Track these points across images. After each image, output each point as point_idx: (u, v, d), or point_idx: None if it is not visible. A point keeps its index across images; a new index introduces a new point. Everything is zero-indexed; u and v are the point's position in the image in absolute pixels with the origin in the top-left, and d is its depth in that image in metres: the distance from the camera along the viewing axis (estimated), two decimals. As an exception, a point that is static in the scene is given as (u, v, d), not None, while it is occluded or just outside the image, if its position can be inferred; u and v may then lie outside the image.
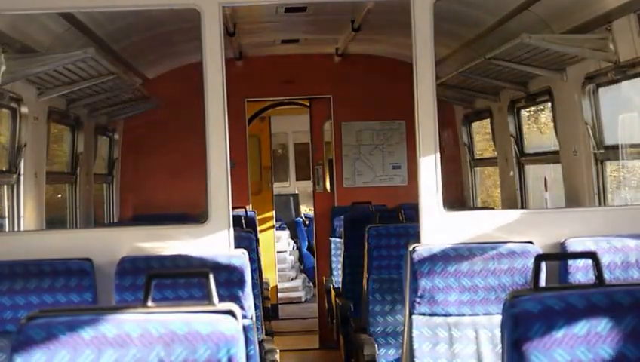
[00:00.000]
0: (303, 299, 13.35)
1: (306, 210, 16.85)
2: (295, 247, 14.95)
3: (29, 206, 6.24)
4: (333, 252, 9.18)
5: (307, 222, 15.75)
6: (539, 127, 7.64)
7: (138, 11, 6.32)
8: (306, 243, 15.36)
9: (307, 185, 17.45)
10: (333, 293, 8.52)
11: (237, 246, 4.74)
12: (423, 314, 4.42)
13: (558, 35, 6.00)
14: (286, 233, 14.79)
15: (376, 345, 5.90)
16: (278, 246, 12.62)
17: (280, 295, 12.20)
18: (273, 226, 12.27)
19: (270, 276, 10.67)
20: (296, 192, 17.07)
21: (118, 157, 8.88)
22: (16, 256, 4.47)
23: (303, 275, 14.21)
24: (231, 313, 2.56)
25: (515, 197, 7.74)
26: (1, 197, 6.13)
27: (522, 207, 7.66)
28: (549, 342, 2.52)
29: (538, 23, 6.12)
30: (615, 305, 2.54)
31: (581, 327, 2.52)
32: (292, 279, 13.77)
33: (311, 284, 13.88)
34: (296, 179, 17.38)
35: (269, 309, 7.39)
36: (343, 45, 9.15)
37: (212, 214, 4.64)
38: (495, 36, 6.64)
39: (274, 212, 12.51)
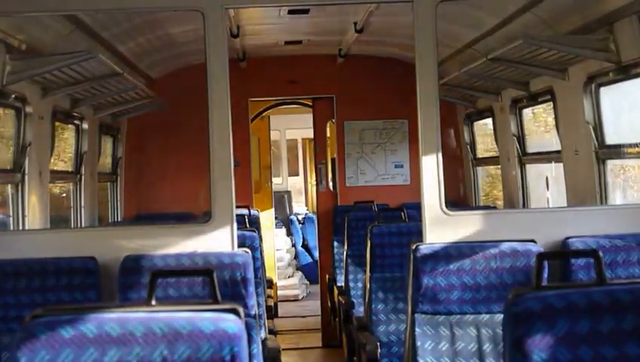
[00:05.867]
0: (300, 297, 13.38)
1: (295, 205, 16.96)
2: (291, 245, 15.00)
3: (33, 205, 6.27)
4: (335, 250, 9.19)
5: (301, 219, 15.81)
6: (544, 127, 7.65)
7: (142, 13, 6.35)
8: (301, 240, 15.41)
9: (296, 181, 17.67)
10: (335, 292, 8.54)
11: (240, 245, 4.76)
12: (426, 313, 4.44)
13: (559, 36, 6.01)
14: (282, 231, 14.83)
15: (378, 344, 5.91)
16: (275, 244, 12.65)
17: (277, 293, 12.23)
18: (273, 224, 12.28)
19: (270, 274, 10.69)
20: (289, 189, 17.14)
21: (122, 157, 8.91)
22: (21, 255, 4.50)
23: (300, 273, 14.25)
24: (234, 311, 2.58)
25: (517, 196, 7.76)
26: (5, 196, 6.15)
27: (524, 206, 7.68)
28: (551, 341, 2.53)
29: (540, 24, 6.14)
30: (616, 304, 2.55)
31: (583, 326, 2.53)
32: (289, 277, 13.81)
33: (307, 282, 13.91)
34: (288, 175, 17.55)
35: (271, 307, 7.40)
36: (346, 46, 9.16)
37: (216, 213, 4.66)
38: (497, 37, 6.65)
39: (273, 210, 12.52)
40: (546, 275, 4.24)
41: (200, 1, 4.65)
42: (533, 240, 4.51)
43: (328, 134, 10.66)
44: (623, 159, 6.10)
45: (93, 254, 4.50)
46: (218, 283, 2.79)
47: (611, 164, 6.10)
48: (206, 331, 2.46)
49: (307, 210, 16.99)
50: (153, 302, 2.69)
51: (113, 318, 2.48)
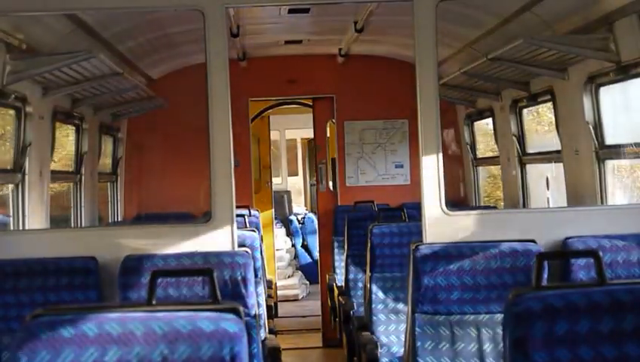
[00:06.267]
0: (300, 297, 13.38)
1: (294, 206, 16.99)
2: (291, 245, 15.01)
3: (34, 205, 6.27)
4: (336, 250, 9.19)
5: (300, 219, 15.82)
6: (548, 126, 7.64)
7: (143, 13, 6.35)
8: (300, 240, 15.42)
9: (295, 181, 17.72)
10: (336, 292, 8.54)
11: (240, 245, 4.76)
12: (426, 313, 4.44)
13: (559, 36, 6.01)
14: (282, 231, 14.83)
15: (378, 344, 5.91)
16: (275, 244, 12.65)
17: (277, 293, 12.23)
18: (273, 224, 12.28)
19: (270, 274, 10.69)
20: (288, 189, 17.16)
21: (122, 156, 8.91)
22: (21, 255, 4.50)
23: (299, 273, 14.25)
24: (234, 311, 2.58)
25: (518, 196, 7.76)
26: (6, 196, 6.15)
27: (524, 206, 7.68)
28: (551, 341, 2.53)
29: (540, 24, 6.14)
30: (616, 304, 2.55)
31: (583, 326, 2.54)
32: (288, 277, 13.81)
33: (307, 282, 13.92)
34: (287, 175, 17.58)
35: (272, 307, 7.41)
36: (346, 46, 9.16)
37: (216, 213, 4.66)
38: (497, 37, 6.65)
39: (273, 210, 12.53)
40: (546, 275, 4.24)
41: (200, 1, 4.65)
42: (533, 240, 4.51)
43: (328, 134, 10.66)
44: (621, 159, 6.09)
45: (93, 254, 4.51)
46: (218, 283, 2.80)
47: (619, 164, 6.10)
48: (206, 331, 2.47)
49: (306, 209, 17.01)
50: (153, 302, 2.69)
51: (114, 318, 2.49)
